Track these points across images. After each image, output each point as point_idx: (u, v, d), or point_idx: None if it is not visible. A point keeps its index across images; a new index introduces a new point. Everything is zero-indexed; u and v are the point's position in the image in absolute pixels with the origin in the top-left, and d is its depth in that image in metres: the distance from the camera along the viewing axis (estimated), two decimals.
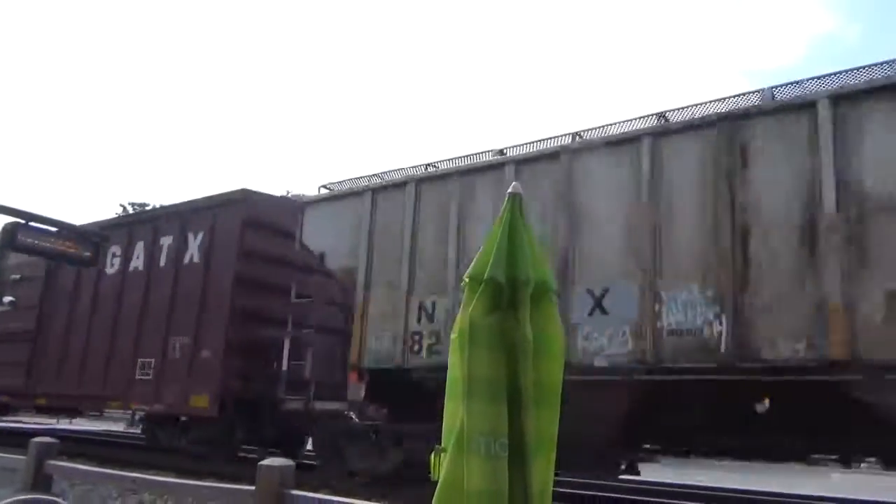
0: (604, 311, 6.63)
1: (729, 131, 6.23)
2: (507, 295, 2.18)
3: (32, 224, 7.65)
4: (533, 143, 7.67)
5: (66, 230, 8.05)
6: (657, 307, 6.31)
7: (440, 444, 2.21)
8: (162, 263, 11.47)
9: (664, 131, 6.66)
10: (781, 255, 5.79)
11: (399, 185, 8.50)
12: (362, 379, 8.28)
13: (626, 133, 6.90)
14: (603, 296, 6.66)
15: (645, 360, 6.31)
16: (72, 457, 7.72)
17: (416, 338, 7.87)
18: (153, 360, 10.92)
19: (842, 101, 5.75)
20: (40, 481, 4.58)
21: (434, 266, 7.91)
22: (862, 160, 5.56)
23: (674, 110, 6.88)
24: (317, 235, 9.23)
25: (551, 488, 2.19)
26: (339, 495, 3.60)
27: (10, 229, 7.48)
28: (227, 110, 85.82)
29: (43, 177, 72.11)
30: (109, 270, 12.41)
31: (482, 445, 2.04)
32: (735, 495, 9.34)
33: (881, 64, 5.83)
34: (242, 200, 10.77)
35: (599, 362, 6.55)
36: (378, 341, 8.20)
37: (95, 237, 8.69)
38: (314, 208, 9.40)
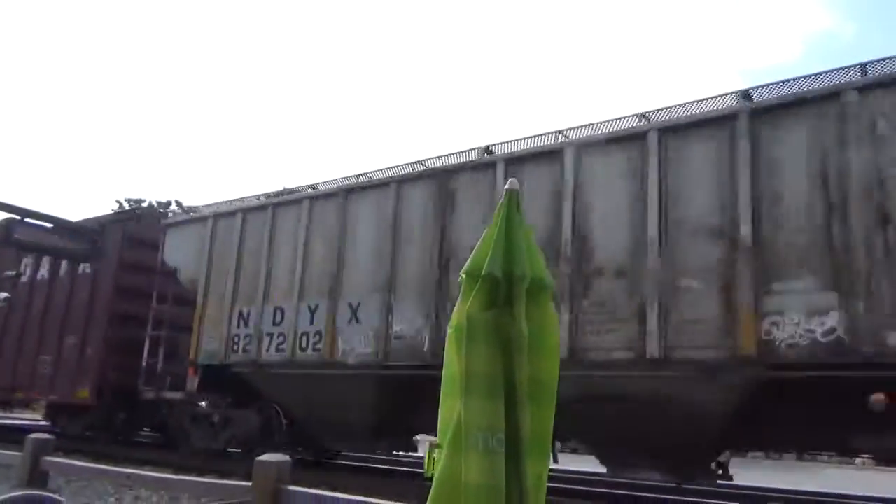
0: (358, 321, 8.43)
1: (442, 181, 8.05)
2: (503, 291, 2.16)
3: (28, 220, 7.87)
4: (326, 182, 9.47)
5: (61, 226, 8.07)
6: (389, 318, 8.13)
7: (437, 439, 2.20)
8: (62, 273, 13.20)
9: (405, 179, 8.47)
10: None
11: (232, 213, 10.27)
12: (196, 373, 10.07)
13: (382, 179, 8.71)
14: (357, 308, 8.47)
15: (385, 359, 8.12)
16: (67, 453, 8.28)
17: (235, 339, 9.66)
18: (51, 357, 12.67)
19: (511, 164, 7.56)
20: (36, 477, 4.57)
21: (250, 281, 9.70)
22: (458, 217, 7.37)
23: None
24: (174, 252, 11.00)
25: (546, 483, 2.19)
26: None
27: (6, 225, 7.67)
28: (224, 107, 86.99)
29: (39, 173, 72.90)
30: (23, 278, 14.13)
31: (480, 441, 2.03)
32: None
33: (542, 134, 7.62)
34: (126, 219, 12.55)
35: (352, 360, 8.36)
36: (210, 342, 9.99)
37: (91, 233, 8.81)
38: (173, 229, 11.18)
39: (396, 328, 8.06)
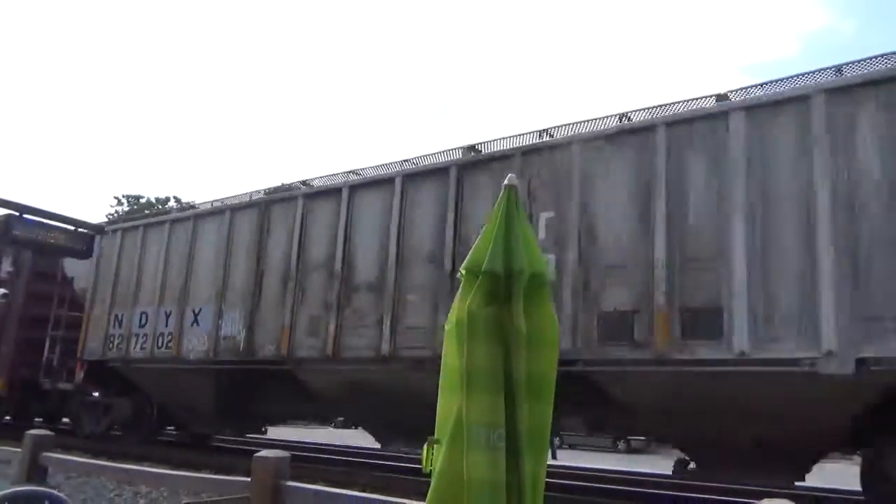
0: (198, 324, 10.25)
1: (261, 209, 9.88)
2: (503, 287, 2.16)
3: (27, 216, 7.98)
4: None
5: (60, 222, 8.35)
6: (219, 321, 9.95)
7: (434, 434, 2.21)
8: None
9: (237, 207, 10.29)
10: (273, 290, 9.42)
11: (114, 232, 12.08)
12: (83, 367, 11.88)
13: (220, 207, 10.53)
14: (199, 313, 10.29)
15: (215, 355, 9.94)
16: (67, 449, 8.55)
17: (111, 338, 11.47)
18: None
19: (308, 199, 9.38)
20: (35, 473, 4.60)
21: (124, 289, 11.50)
22: (311, 237, 9.20)
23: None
24: (72, 262, 12.79)
25: (544, 479, 2.20)
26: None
27: (5, 221, 7.64)
28: (222, 103, 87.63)
29: (38, 169, 73.42)
30: None
31: (482, 437, 2.03)
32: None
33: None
34: None
35: (192, 356, 10.19)
36: (93, 340, 11.79)
37: (90, 229, 9.16)
38: None
39: (224, 330, 9.89)
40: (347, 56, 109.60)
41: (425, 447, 2.17)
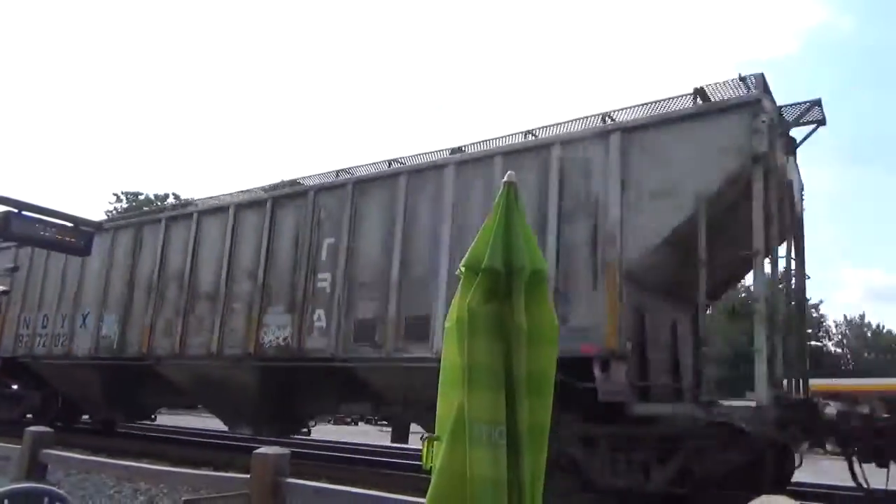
0: (85, 326, 12.06)
1: (137, 231, 11.68)
2: (503, 283, 2.15)
3: (25, 213, 7.81)
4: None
5: (59, 219, 8.22)
6: (100, 324, 11.76)
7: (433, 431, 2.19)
8: None
9: (118, 227, 12.09)
10: (140, 298, 11.23)
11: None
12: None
13: (109, 227, 12.33)
14: (87, 316, 12.10)
15: (96, 353, 11.75)
16: (66, 446, 8.34)
17: (20, 337, 13.27)
18: None
19: (203, 215, 11.19)
20: (35, 470, 4.57)
21: (31, 294, 13.31)
22: (169, 255, 11.00)
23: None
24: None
25: (543, 475, 2.18)
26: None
27: (3, 218, 7.40)
28: (221, 99, 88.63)
29: (37, 165, 73.94)
30: None
31: (484, 434, 2.03)
32: None
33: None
34: None
35: (80, 353, 11.99)
36: (7, 339, 13.61)
37: (88, 226, 8.94)
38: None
39: (103, 332, 11.70)
40: (346, 55, 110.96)
41: (425, 444, 2.16)
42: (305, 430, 11.21)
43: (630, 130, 7.00)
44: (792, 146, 7.63)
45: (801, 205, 8.48)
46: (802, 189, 8.52)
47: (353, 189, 9.02)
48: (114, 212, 39.03)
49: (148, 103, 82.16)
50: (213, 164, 76.16)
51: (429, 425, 8.41)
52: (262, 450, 3.44)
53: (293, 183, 10.49)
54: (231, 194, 10.89)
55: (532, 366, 2.16)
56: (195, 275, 10.58)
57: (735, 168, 6.37)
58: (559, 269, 7.05)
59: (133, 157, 76.36)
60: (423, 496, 2.14)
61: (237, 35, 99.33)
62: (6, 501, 3.21)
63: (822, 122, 7.50)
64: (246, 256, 10.00)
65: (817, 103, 7.19)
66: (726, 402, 6.44)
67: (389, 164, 9.28)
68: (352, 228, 8.87)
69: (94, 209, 58.83)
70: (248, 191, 10.69)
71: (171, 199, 41.66)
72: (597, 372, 6.60)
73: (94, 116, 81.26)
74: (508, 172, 2.30)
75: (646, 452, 6.59)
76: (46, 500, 3.28)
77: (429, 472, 2.12)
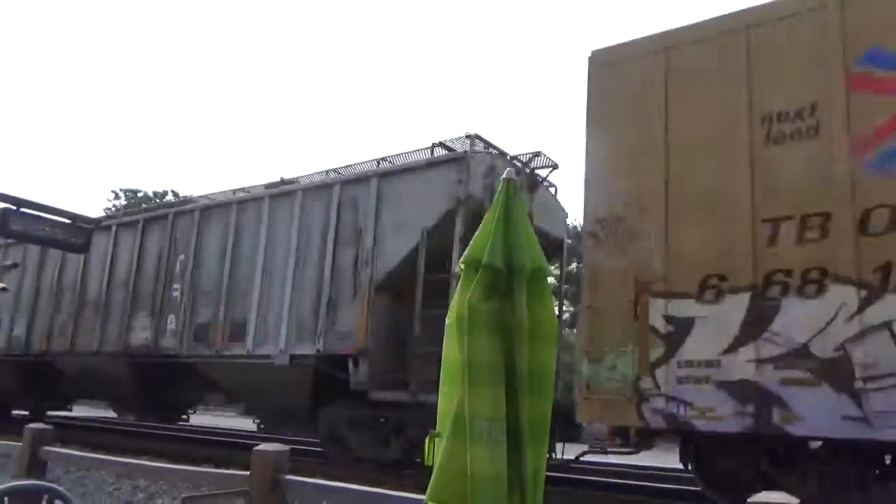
0: (0, 327, 13.88)
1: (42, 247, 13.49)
2: (503, 280, 2.16)
3: (23, 210, 7.94)
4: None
5: (57, 216, 8.42)
6: (12, 324, 13.58)
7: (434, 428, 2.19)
8: None
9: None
10: (44, 302, 13.05)
11: None
12: None
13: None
14: (1, 318, 13.92)
15: (9, 350, 13.58)
16: (66, 443, 8.73)
17: None
18: None
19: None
20: (35, 467, 4.57)
21: None
22: (66, 267, 12.82)
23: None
24: None
25: (544, 472, 2.21)
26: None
27: (2, 214, 7.61)
28: (220, 96, 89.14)
29: (36, 163, 74.03)
30: None
31: (484, 431, 2.04)
32: None
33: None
34: None
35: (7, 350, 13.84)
36: None
37: (87, 223, 9.11)
38: None
39: (15, 332, 13.54)
40: (345, 54, 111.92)
41: (427, 441, 2.15)
42: (185, 416, 13.15)
43: (383, 176, 8.87)
44: (535, 183, 9.48)
45: (566, 231, 10.36)
46: (566, 216, 10.39)
47: (199, 215, 10.88)
48: (112, 209, 39.43)
49: (149, 101, 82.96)
50: (213, 162, 76.98)
51: (262, 418, 10.88)
52: (262, 447, 3.45)
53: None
54: (114, 215, 12.71)
55: (533, 362, 2.18)
56: (84, 284, 12.42)
57: (447, 208, 8.22)
58: (333, 285, 8.93)
59: (132, 154, 76.91)
60: (424, 493, 2.15)
61: (237, 34, 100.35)
62: (6, 499, 3.18)
63: (555, 166, 9.41)
64: (122, 270, 11.85)
65: (537, 154, 9.08)
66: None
67: (234, 192, 11.12)
68: (197, 246, 10.72)
69: (93, 206, 59.21)
70: (127, 211, 12.51)
71: (169, 197, 42.26)
72: (351, 367, 8.49)
73: (94, 114, 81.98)
74: (508, 169, 2.34)
75: (385, 429, 8.51)
76: (46, 497, 3.27)
77: (430, 468, 2.14)
